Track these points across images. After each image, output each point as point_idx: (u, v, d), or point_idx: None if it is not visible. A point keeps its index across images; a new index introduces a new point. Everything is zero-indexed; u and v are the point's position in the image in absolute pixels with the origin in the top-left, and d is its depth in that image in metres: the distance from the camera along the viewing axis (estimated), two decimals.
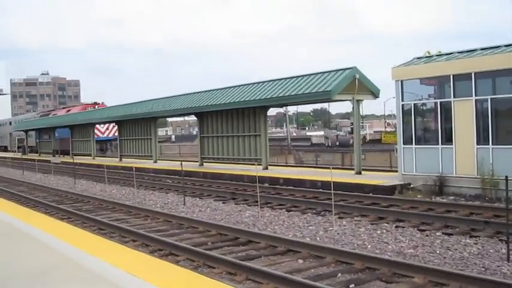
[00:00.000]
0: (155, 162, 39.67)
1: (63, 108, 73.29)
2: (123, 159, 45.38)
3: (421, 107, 22.40)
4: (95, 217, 17.20)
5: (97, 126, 53.98)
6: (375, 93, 25.63)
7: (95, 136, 53.84)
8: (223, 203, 20.20)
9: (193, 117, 40.98)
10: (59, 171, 39.50)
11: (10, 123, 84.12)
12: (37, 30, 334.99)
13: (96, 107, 58.89)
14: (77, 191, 26.10)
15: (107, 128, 57.76)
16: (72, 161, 37.59)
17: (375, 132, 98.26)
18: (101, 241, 11.81)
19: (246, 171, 27.49)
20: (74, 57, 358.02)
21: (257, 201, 17.69)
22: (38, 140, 68.66)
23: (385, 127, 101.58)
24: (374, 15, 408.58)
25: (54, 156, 58.45)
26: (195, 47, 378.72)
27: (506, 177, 11.45)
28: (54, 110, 76.29)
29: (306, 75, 26.65)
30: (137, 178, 26.38)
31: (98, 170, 36.54)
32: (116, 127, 50.01)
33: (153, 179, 30.88)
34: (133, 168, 26.55)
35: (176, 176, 29.00)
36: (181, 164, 22.01)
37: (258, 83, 30.10)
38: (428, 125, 22.29)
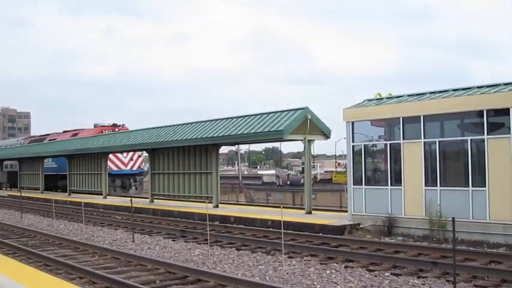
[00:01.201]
0: (105, 197, 39.16)
1: (66, 132, 54.28)
2: (72, 194, 44.64)
3: (371, 148, 22.72)
4: (41, 253, 16.79)
5: (117, 155, 45.26)
6: (326, 134, 25.89)
7: (111, 169, 44.40)
8: (172, 240, 20.01)
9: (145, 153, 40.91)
10: (5, 204, 38.62)
11: None
12: None
13: (117, 129, 46.03)
14: (24, 225, 25.53)
15: (131, 159, 47.28)
16: (19, 194, 36.84)
17: (325, 172, 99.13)
18: (47, 277, 11.54)
19: (196, 209, 27.33)
20: (25, 90, 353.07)
21: (207, 240, 17.57)
22: None
23: (336, 167, 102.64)
24: (326, 56, 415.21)
25: (1, 189, 57.27)
26: (148, 82, 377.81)
27: (453, 218, 11.65)
28: (49, 134, 57.97)
29: (258, 114, 26.80)
30: (86, 213, 25.98)
31: (46, 204, 35.90)
32: (142, 157, 47.24)
33: (103, 214, 30.45)
34: (82, 204, 26.13)
35: (126, 213, 28.68)
36: (131, 200, 21.77)
37: (210, 120, 30.15)
38: (378, 165, 22.58)
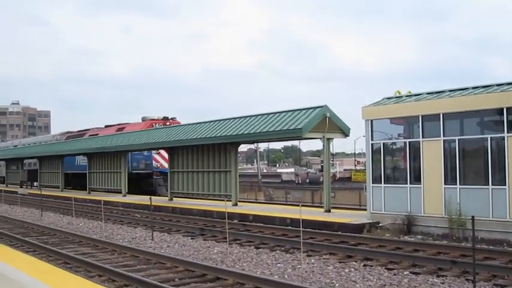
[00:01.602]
0: (124, 196, 39.35)
1: (109, 126, 50.65)
2: (91, 192, 44.92)
3: (391, 146, 22.63)
4: (60, 251, 16.92)
5: (161, 152, 42.68)
6: (345, 132, 25.84)
7: (163, 167, 41.87)
8: (191, 238, 20.08)
9: None
10: (25, 202, 38.97)
11: None
12: (7, 60, 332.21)
13: (168, 123, 43.00)
14: (44, 223, 25.73)
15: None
16: (39, 192, 37.13)
17: (344, 170, 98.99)
18: (66, 275, 11.63)
19: (215, 207, 27.41)
20: (45, 88, 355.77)
21: (226, 238, 17.62)
22: (7, 171, 67.02)
23: (355, 165, 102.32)
24: (346, 53, 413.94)
25: (21, 187, 57.67)
26: (165, 81, 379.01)
27: (473, 217, 11.59)
28: (88, 130, 54.30)
29: (277, 112, 26.81)
30: (105, 212, 26.13)
31: (66, 202, 36.16)
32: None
33: (122, 213, 30.62)
34: (102, 202, 26.28)
35: (145, 211, 28.81)
36: (150, 198, 21.87)
37: (230, 119, 30.21)
38: (397, 164, 22.51)
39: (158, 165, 43.99)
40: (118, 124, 49.30)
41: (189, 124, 33.61)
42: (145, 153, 43.63)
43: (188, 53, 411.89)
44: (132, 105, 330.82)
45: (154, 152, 42.62)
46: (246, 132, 27.07)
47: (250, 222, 23.97)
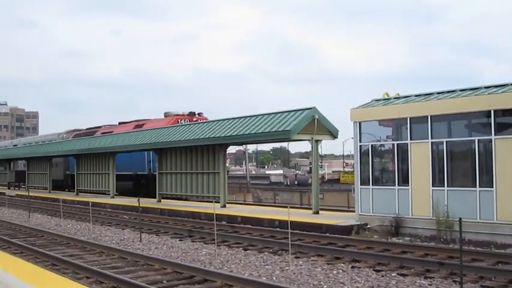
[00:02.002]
0: (112, 197, 39.23)
1: (124, 123, 46.33)
2: (79, 193, 44.72)
3: (379, 148, 22.71)
4: (48, 252, 16.86)
5: None
6: (333, 134, 25.90)
7: None
8: (180, 240, 20.05)
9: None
10: (13, 204, 38.78)
11: None
12: None
13: (195, 119, 39.00)
14: (31, 224, 25.62)
15: None
16: (27, 194, 36.97)
17: (333, 172, 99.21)
18: (54, 277, 11.60)
19: (204, 208, 27.36)
20: (33, 90, 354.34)
21: (214, 240, 17.61)
22: None
23: (344, 167, 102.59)
24: (336, 55, 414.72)
25: (9, 188, 57.32)
26: (154, 82, 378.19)
27: (460, 219, 11.65)
28: (99, 127, 50.07)
29: (265, 114, 26.84)
30: (93, 213, 26.04)
31: (54, 204, 36.00)
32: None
33: (110, 214, 30.52)
34: (90, 203, 26.20)
35: (133, 212, 28.75)
36: (138, 200, 21.83)
37: (218, 120, 30.22)
38: (385, 166, 22.59)
39: None
40: (135, 121, 45.31)
41: (178, 125, 33.59)
42: None
43: (178, 55, 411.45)
44: (122, 107, 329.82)
45: None
46: (234, 134, 27.08)
47: (239, 223, 23.96)
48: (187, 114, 39.97)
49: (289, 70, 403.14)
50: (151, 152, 38.31)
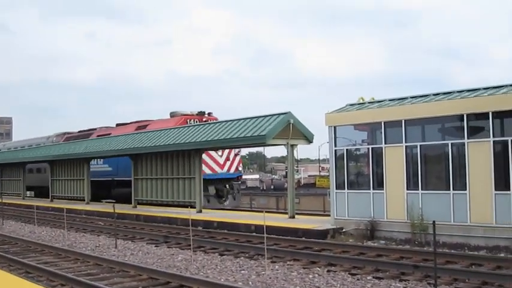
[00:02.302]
0: (87, 203, 38.95)
1: (121, 125, 43.03)
2: (54, 200, 44.32)
3: (354, 152, 22.85)
4: (22, 260, 16.67)
5: (210, 154, 33.96)
6: (308, 138, 26.00)
7: (204, 173, 31.49)
8: (155, 246, 19.97)
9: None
10: None
11: None
12: None
13: (204, 119, 35.10)
14: (5, 232, 25.33)
15: (227, 158, 35.57)
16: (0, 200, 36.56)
17: (309, 176, 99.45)
18: (27, 285, 11.49)
19: (179, 214, 27.25)
20: (6, 95, 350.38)
21: (190, 245, 17.57)
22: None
23: (320, 171, 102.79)
24: (310, 60, 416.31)
25: None
26: (130, 86, 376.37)
27: (434, 222, 11.76)
28: (95, 129, 46.18)
29: (241, 119, 26.87)
30: (68, 220, 25.85)
31: (28, 210, 35.66)
32: (239, 156, 36.73)
33: (85, 221, 30.28)
34: (64, 210, 25.99)
35: (108, 218, 28.58)
36: (113, 206, 21.71)
37: (194, 125, 30.19)
38: (360, 170, 22.71)
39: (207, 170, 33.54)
40: (136, 122, 41.24)
41: (153, 131, 33.45)
42: None
43: (154, 59, 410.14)
44: (98, 111, 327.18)
45: None
46: (210, 139, 27.06)
47: (215, 229, 23.93)
48: (197, 114, 36.40)
49: (265, 74, 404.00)
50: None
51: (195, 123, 32.67)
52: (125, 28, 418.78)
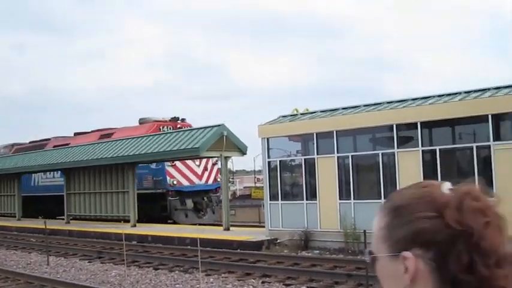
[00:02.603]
0: (19, 219, 38.01)
1: (80, 134, 39.62)
2: None
3: (288, 163, 23.06)
4: None
5: (187, 164, 31.46)
6: (242, 150, 26.13)
7: (181, 184, 31.03)
8: (89, 262, 19.65)
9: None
10: None
11: None
12: None
13: (179, 126, 31.78)
14: None
15: (205, 168, 32.61)
16: None
17: (245, 187, 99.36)
18: None
19: (113, 228, 26.89)
20: None
21: (124, 260, 17.38)
22: None
23: (255, 182, 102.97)
24: (245, 72, 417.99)
25: None
26: (62, 100, 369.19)
27: (365, 231, 12.02)
28: (48, 139, 42.58)
29: (174, 131, 26.85)
30: None
31: None
32: (217, 166, 31.90)
33: (16, 237, 29.57)
34: None
35: (40, 235, 27.97)
36: (44, 222, 21.29)
37: (127, 139, 29.85)
38: (294, 181, 22.93)
39: (174, 182, 31.20)
40: (99, 130, 37.75)
41: (86, 144, 32.96)
42: (153, 166, 31.50)
43: (85, 72, 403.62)
44: (30, 125, 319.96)
45: (168, 163, 30.90)
46: (143, 152, 26.85)
47: (149, 243, 23.71)
48: (170, 120, 33.27)
49: (199, 87, 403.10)
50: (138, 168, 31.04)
51: (169, 131, 30.05)
52: (56, 41, 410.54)
